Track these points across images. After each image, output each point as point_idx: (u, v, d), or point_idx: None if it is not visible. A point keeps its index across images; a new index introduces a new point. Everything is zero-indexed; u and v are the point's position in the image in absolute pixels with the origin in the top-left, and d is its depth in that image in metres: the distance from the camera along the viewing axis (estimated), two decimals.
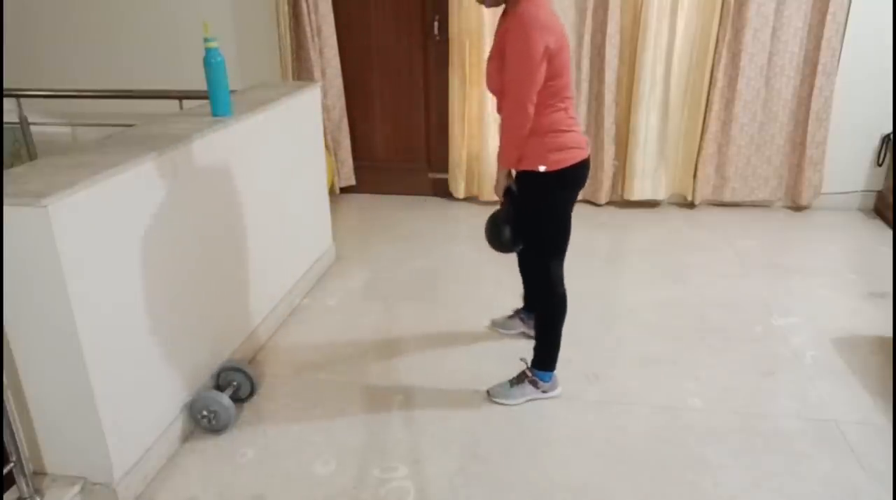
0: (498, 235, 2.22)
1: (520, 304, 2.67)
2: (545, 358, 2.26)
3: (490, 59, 2.06)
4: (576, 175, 2.06)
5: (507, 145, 2.03)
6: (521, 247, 2.24)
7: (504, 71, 1.96)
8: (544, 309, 2.26)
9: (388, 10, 4.04)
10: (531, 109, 1.95)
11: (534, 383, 2.26)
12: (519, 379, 2.29)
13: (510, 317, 2.70)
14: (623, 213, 4.08)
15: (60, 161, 1.81)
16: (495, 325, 2.75)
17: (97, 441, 1.77)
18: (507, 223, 2.20)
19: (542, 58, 1.90)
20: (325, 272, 3.30)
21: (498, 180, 2.17)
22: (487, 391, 2.31)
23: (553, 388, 2.29)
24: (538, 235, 2.15)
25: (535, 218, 2.13)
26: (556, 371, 2.29)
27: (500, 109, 2.08)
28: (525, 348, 2.36)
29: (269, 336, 2.72)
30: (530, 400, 2.27)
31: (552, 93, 1.98)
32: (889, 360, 2.52)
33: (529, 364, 2.29)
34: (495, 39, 2.04)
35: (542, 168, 2.00)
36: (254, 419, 2.23)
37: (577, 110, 3.98)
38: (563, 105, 2.02)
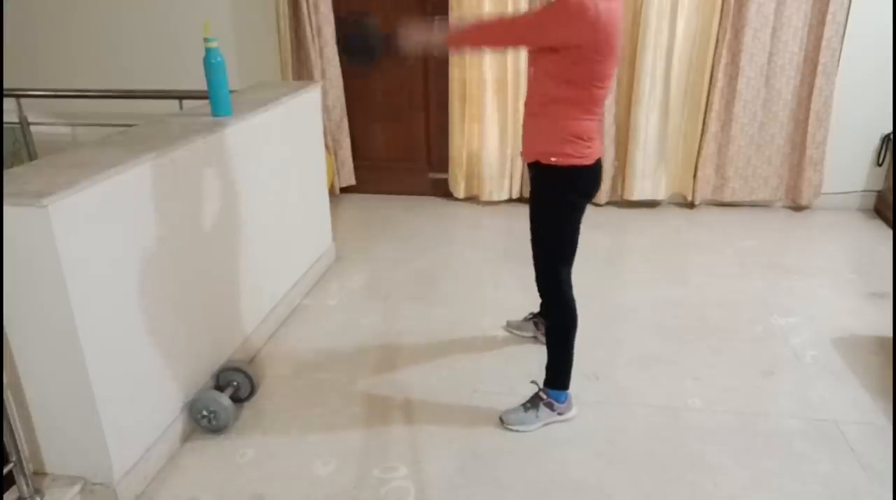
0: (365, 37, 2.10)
1: (535, 308, 2.64)
2: (558, 375, 2.17)
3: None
4: (585, 176, 2.01)
5: (471, 33, 1.97)
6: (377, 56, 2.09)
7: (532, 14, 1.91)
8: (554, 320, 2.17)
9: (388, 9, 4.04)
10: (504, 48, 1.86)
11: (549, 406, 2.16)
12: (533, 403, 2.17)
13: (525, 320, 2.69)
14: (623, 213, 4.08)
15: (60, 161, 1.81)
16: (510, 325, 2.74)
17: (97, 441, 1.77)
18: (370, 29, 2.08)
19: (581, 53, 1.80)
20: (325, 272, 3.30)
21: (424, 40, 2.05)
22: (500, 418, 2.18)
23: (569, 409, 2.19)
24: (546, 237, 2.11)
25: (544, 219, 2.09)
26: (570, 389, 2.20)
27: (534, 90, 2.01)
28: (529, 352, 2.35)
29: (269, 336, 2.72)
30: (546, 424, 2.17)
31: (594, 99, 1.92)
32: (889, 360, 2.52)
33: (542, 385, 2.20)
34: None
35: (553, 159, 1.96)
36: (254, 419, 2.23)
37: None
38: (596, 115, 1.97)
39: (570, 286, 2.14)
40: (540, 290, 2.20)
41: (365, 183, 4.42)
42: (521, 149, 2.11)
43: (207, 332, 2.25)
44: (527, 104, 2.05)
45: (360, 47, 2.06)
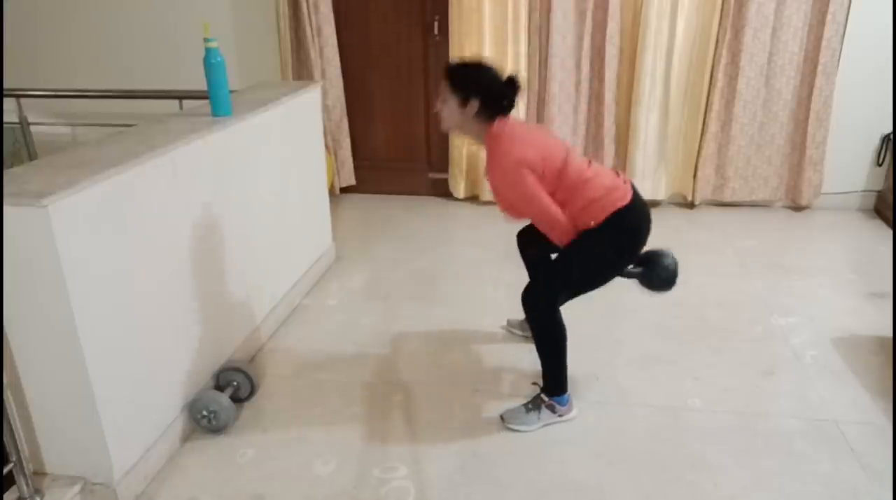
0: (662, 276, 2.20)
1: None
2: (556, 382, 2.17)
3: (491, 188, 2.12)
4: (629, 215, 2.03)
5: (559, 239, 2.07)
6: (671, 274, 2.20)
7: (513, 204, 2.07)
8: (542, 336, 2.12)
9: (388, 9, 4.04)
10: (554, 207, 2.00)
11: (551, 408, 2.17)
12: (535, 404, 2.17)
13: (525, 319, 2.69)
14: None
15: (60, 161, 1.81)
16: (510, 325, 2.75)
17: (97, 441, 1.77)
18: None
19: (536, 176, 1.96)
20: (325, 272, 3.30)
21: None
22: (501, 417, 2.19)
23: (569, 410, 2.19)
24: (575, 277, 2.10)
25: (585, 260, 2.08)
26: (570, 390, 2.20)
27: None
28: (529, 352, 2.35)
29: (269, 336, 2.72)
30: (546, 425, 2.18)
31: (570, 186, 2.00)
32: (889, 360, 2.52)
33: (542, 388, 2.20)
34: (486, 177, 2.13)
35: (592, 223, 2.01)
36: (254, 418, 2.23)
37: (580, 116, 3.98)
38: (588, 179, 2.01)
39: (558, 309, 2.11)
40: (526, 307, 2.12)
41: (365, 183, 4.42)
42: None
43: (207, 332, 2.25)
44: (544, 233, 2.12)
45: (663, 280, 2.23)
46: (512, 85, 2.01)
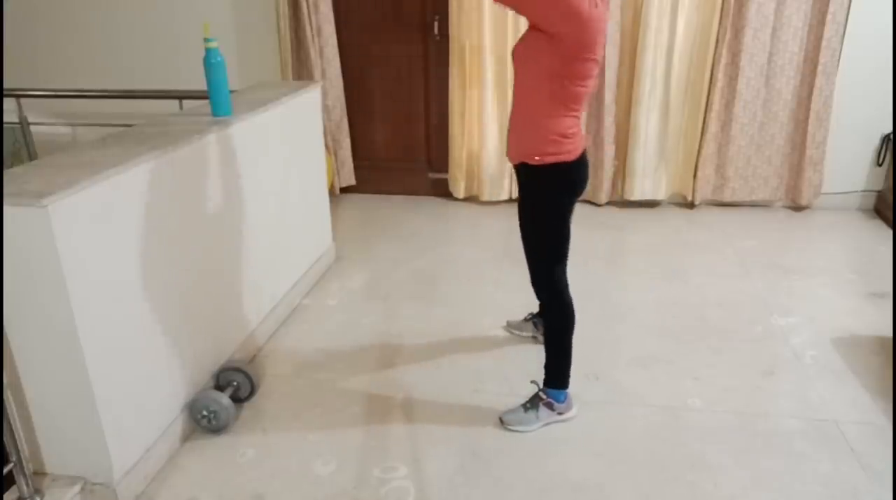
0: None
1: (534, 308, 2.63)
2: (557, 374, 2.17)
3: (519, 41, 1.97)
4: (570, 171, 2.00)
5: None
6: None
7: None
8: (550, 320, 2.17)
9: (388, 10, 4.04)
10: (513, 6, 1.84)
11: (549, 406, 2.17)
12: (533, 403, 2.18)
13: (525, 320, 2.69)
14: (623, 213, 4.08)
15: (60, 161, 1.81)
16: (510, 325, 2.75)
17: (97, 441, 1.77)
18: None
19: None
20: (325, 272, 3.30)
21: None
22: (500, 418, 2.19)
23: (569, 408, 2.19)
24: (537, 237, 2.12)
25: (533, 218, 2.10)
26: (570, 389, 2.20)
27: (517, 89, 2.00)
28: (529, 352, 2.36)
29: (269, 336, 2.72)
30: (546, 424, 2.18)
31: (575, 97, 1.91)
32: (889, 360, 2.52)
33: (541, 385, 2.20)
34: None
35: (536, 158, 1.97)
36: (254, 418, 2.23)
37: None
38: (578, 112, 1.97)
39: (566, 286, 2.14)
40: (536, 290, 2.19)
41: (365, 183, 4.42)
42: (506, 150, 2.11)
43: (207, 332, 2.25)
44: (512, 105, 2.05)
45: None
46: None
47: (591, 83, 1.94)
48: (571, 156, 1.98)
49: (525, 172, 2.05)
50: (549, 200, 2.05)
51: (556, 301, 2.14)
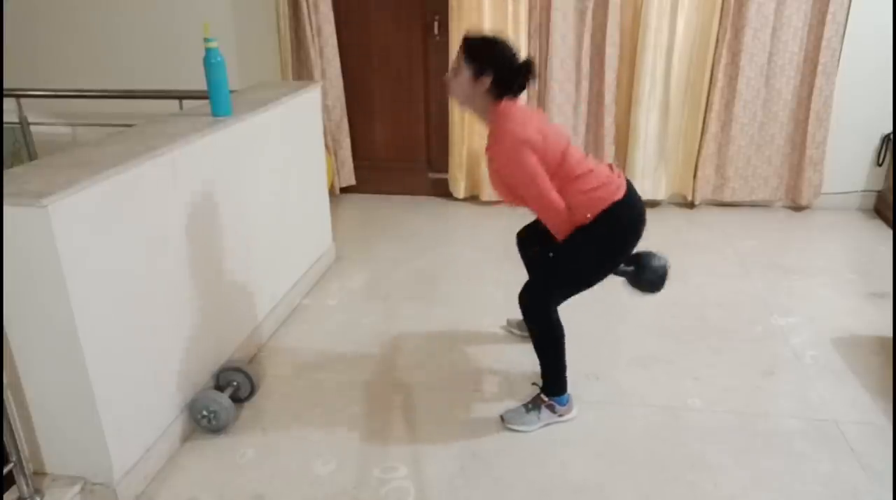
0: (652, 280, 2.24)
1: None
2: (555, 382, 2.16)
3: (490, 170, 2.10)
4: (623, 208, 2.02)
5: (556, 228, 2.05)
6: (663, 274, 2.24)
7: (512, 188, 2.04)
8: (539, 338, 2.12)
9: (388, 10, 4.04)
10: (553, 192, 1.98)
11: (550, 408, 2.16)
12: (535, 404, 2.17)
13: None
14: None
15: (60, 161, 1.81)
16: (510, 324, 2.75)
17: (97, 441, 1.77)
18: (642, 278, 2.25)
19: (538, 157, 1.94)
20: (325, 272, 3.30)
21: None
22: (501, 417, 2.18)
23: (569, 410, 2.19)
24: (569, 275, 2.09)
25: (576, 258, 2.07)
26: (570, 390, 2.20)
27: (527, 204, 2.10)
28: (529, 352, 2.34)
29: (270, 336, 2.72)
30: (546, 425, 2.18)
31: (568, 175, 1.99)
32: (889, 360, 2.52)
33: (542, 388, 2.20)
34: (486, 155, 2.08)
35: (588, 215, 2.01)
36: (254, 418, 2.23)
37: (580, 116, 3.98)
38: (584, 171, 2.01)
39: (555, 310, 2.11)
40: (523, 307, 2.12)
41: (365, 183, 4.42)
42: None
43: (207, 332, 2.25)
44: (535, 215, 2.12)
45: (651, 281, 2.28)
46: (527, 68, 2.00)
47: (573, 149, 2.03)
48: (617, 195, 2.02)
49: (580, 232, 2.05)
50: (604, 245, 2.06)
51: (543, 321, 2.10)
